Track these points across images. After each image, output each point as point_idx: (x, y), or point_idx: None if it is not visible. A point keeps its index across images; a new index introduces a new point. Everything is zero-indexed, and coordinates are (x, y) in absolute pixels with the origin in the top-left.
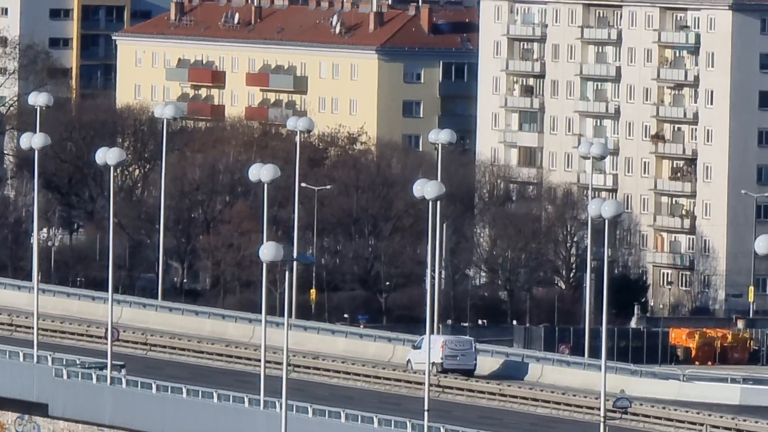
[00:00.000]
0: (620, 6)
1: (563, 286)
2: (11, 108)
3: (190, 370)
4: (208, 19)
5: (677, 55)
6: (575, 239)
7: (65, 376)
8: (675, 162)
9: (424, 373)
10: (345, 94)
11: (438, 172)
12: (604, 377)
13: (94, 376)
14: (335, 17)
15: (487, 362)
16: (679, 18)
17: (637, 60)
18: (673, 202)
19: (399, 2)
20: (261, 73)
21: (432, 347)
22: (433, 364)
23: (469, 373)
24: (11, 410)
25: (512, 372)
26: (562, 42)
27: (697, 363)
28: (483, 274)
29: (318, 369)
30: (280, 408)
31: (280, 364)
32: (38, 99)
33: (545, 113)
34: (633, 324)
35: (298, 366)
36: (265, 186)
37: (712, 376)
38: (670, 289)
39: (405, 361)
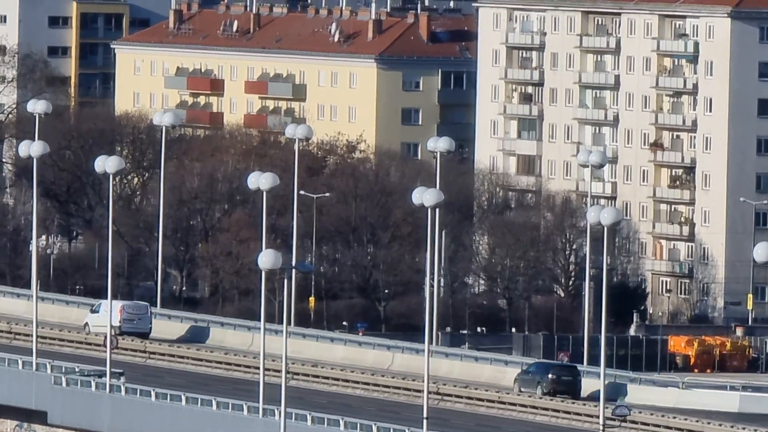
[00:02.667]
0: (619, 14)
1: (562, 294)
2: (10, 116)
3: (189, 378)
4: (207, 28)
5: (676, 63)
6: (574, 247)
7: (64, 384)
8: (674, 170)
9: (101, 336)
10: (344, 102)
11: (437, 180)
12: (602, 385)
13: (93, 384)
14: (334, 25)
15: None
16: (677, 26)
17: (635, 68)
18: (672, 209)
19: (397, 10)
20: (259, 81)
21: (112, 312)
22: (113, 327)
23: (144, 335)
24: (10, 418)
25: None
26: (560, 50)
27: (696, 371)
28: (482, 282)
29: (317, 377)
30: (279, 416)
31: (279, 371)
32: (37, 107)
33: (544, 121)
34: (632, 332)
35: (297, 374)
36: (264, 194)
37: (711, 384)
38: (668, 297)
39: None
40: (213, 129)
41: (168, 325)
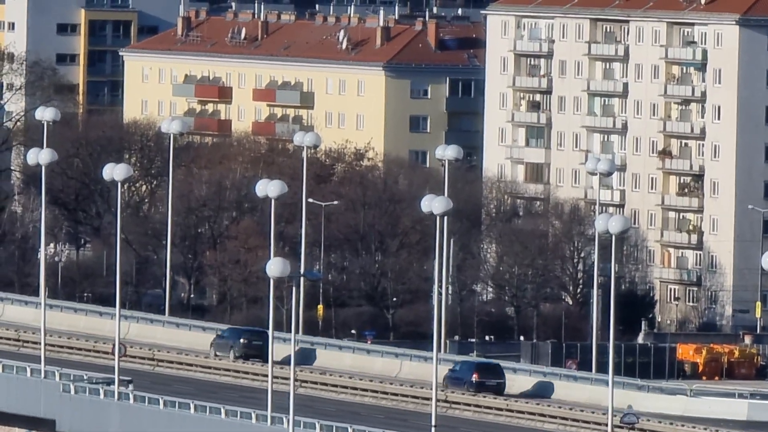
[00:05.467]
0: (627, 22)
1: (570, 302)
2: (18, 124)
3: (197, 386)
4: (215, 35)
5: (684, 71)
6: (582, 255)
7: (72, 392)
8: (682, 177)
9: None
10: (352, 109)
11: (445, 188)
12: (611, 393)
13: (101, 392)
14: (342, 33)
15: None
16: (686, 34)
17: (644, 76)
18: (680, 217)
19: (406, 18)
20: (268, 88)
21: None
22: None
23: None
24: (18, 426)
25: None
26: (569, 58)
27: (704, 378)
28: (490, 290)
29: (325, 384)
30: (288, 424)
31: (288, 379)
32: (45, 115)
33: (552, 129)
34: (640, 340)
35: (306, 381)
36: (272, 202)
37: (719, 392)
38: (677, 304)
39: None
40: (221, 137)
41: (177, 333)
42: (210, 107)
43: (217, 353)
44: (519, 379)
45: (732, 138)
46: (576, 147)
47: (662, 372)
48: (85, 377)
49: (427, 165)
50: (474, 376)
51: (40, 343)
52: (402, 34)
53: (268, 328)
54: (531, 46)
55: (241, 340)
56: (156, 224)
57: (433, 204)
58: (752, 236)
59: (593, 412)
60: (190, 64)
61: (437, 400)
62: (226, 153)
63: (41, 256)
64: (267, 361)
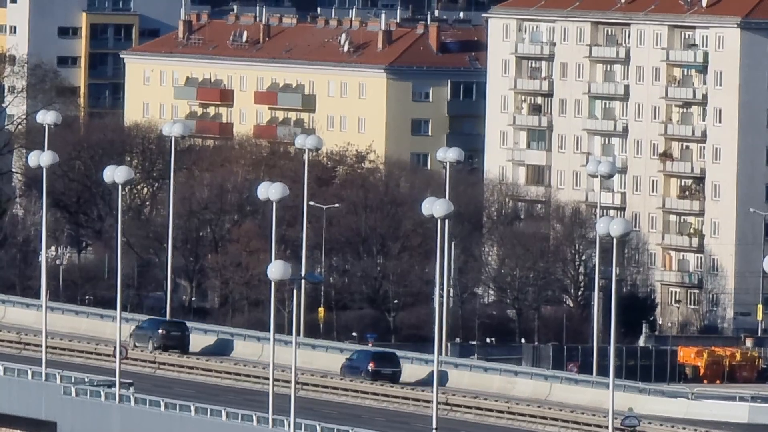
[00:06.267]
0: (628, 24)
1: (571, 305)
2: (19, 126)
3: (198, 388)
4: (217, 38)
5: (685, 73)
6: (583, 258)
7: (74, 395)
8: (683, 180)
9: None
10: (353, 112)
11: (446, 191)
12: (612, 395)
13: (102, 395)
14: (343, 36)
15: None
16: (687, 36)
17: (645, 78)
18: (682, 220)
19: (407, 21)
20: (269, 91)
21: None
22: None
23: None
24: (20, 429)
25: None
26: (570, 60)
27: (705, 381)
28: (491, 292)
29: (326, 387)
30: (289, 426)
31: (289, 382)
32: (46, 117)
33: (553, 132)
34: (641, 342)
35: (307, 384)
36: (274, 205)
37: (720, 395)
38: (678, 307)
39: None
40: (222, 139)
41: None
42: (211, 110)
43: (137, 344)
44: (520, 382)
45: (733, 141)
46: (577, 150)
47: (663, 375)
48: (86, 380)
49: (429, 168)
50: (370, 364)
51: (41, 346)
52: (404, 37)
53: (269, 331)
54: (532, 49)
55: (160, 331)
56: (157, 227)
57: (435, 207)
58: (753, 239)
59: (594, 415)
60: (191, 66)
61: (438, 403)
62: (228, 156)
63: (42, 258)
64: (186, 353)
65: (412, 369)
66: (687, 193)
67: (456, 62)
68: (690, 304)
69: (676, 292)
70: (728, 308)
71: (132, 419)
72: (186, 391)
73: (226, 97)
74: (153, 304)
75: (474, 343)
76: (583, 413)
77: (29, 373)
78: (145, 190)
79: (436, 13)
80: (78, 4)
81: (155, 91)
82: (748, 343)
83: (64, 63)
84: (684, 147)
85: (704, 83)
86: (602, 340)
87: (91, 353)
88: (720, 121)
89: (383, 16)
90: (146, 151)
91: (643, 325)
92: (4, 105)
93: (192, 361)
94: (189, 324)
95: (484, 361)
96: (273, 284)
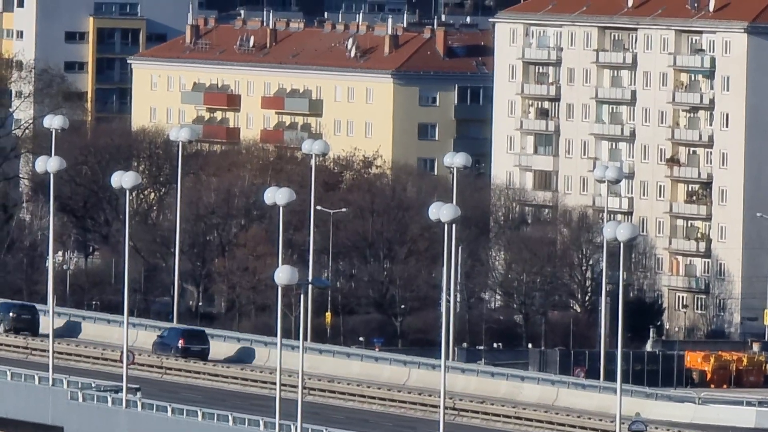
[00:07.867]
0: (635, 29)
1: (578, 310)
2: (26, 131)
3: (205, 394)
4: (224, 43)
5: (692, 78)
6: (590, 263)
7: (81, 400)
8: (690, 185)
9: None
10: (360, 117)
11: (453, 196)
12: (619, 400)
13: (109, 400)
14: (350, 41)
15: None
16: (694, 41)
17: (652, 83)
18: (689, 225)
19: (414, 25)
20: (276, 96)
21: None
22: None
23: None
24: None
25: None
26: (577, 65)
27: (712, 386)
28: (498, 297)
29: (333, 392)
30: (296, 431)
31: (296, 387)
32: (53, 122)
33: (560, 136)
34: (648, 347)
35: (314, 389)
36: (281, 209)
37: (727, 400)
38: (685, 312)
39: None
40: (229, 144)
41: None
42: (218, 115)
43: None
44: (527, 387)
45: (740, 145)
46: (584, 154)
47: (670, 380)
48: (93, 385)
49: (436, 172)
50: (180, 341)
51: (48, 351)
52: (410, 42)
53: (276, 336)
54: (539, 54)
55: (10, 314)
56: (164, 232)
57: (442, 211)
58: (761, 244)
59: (601, 420)
60: (198, 71)
61: (445, 408)
62: (235, 161)
63: (49, 263)
64: (36, 335)
65: (419, 374)
66: (694, 197)
67: (463, 67)
68: (697, 308)
69: (683, 297)
70: (735, 313)
71: (139, 424)
72: (193, 396)
73: (233, 101)
74: (160, 309)
75: (481, 347)
76: (590, 418)
77: (36, 378)
78: (152, 194)
79: (443, 17)
80: (85, 8)
81: (162, 96)
82: (755, 347)
83: (71, 68)
84: (691, 152)
85: (711, 88)
86: (609, 345)
87: (98, 358)
88: (727, 126)
89: (390, 20)
90: (153, 156)
91: (650, 330)
92: (11, 110)
93: (199, 366)
94: (208, 331)
95: (491, 366)
96: (280, 289)
